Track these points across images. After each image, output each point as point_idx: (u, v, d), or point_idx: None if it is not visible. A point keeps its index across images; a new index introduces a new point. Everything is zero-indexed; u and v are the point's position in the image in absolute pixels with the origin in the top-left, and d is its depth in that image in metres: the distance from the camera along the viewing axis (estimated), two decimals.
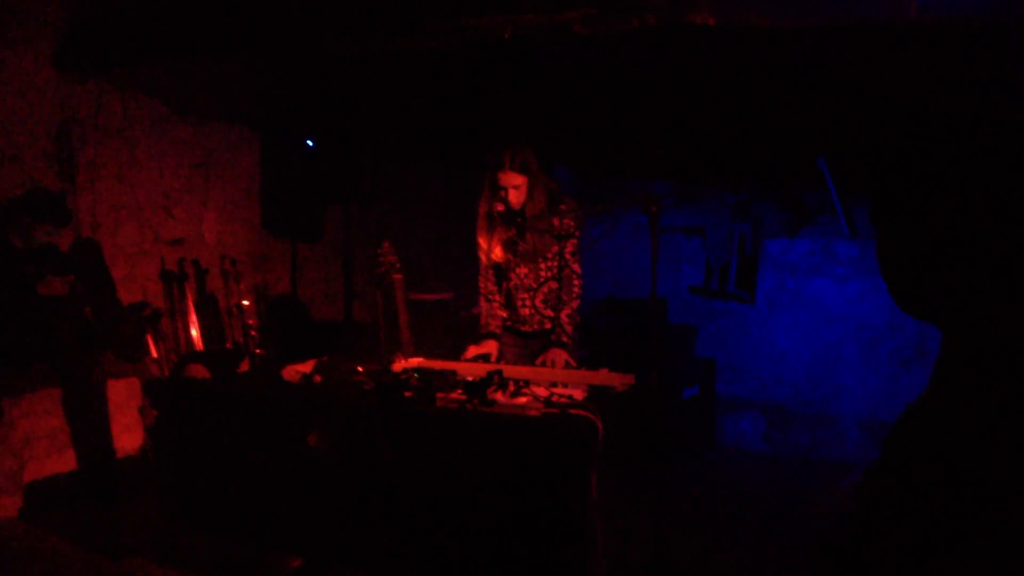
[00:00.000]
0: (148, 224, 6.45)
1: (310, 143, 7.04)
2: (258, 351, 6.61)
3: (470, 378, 3.95)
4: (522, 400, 3.75)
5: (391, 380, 3.98)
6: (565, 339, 4.62)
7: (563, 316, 4.65)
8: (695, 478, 6.15)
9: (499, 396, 3.77)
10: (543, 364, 4.47)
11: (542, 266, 4.70)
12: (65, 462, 5.60)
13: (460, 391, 3.85)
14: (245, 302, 7.02)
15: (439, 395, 3.84)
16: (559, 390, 3.87)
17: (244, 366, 6.25)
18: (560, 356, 4.54)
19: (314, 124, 7.13)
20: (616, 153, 7.18)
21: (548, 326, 4.74)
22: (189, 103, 6.63)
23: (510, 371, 4.10)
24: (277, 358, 6.25)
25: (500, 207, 4.61)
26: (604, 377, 4.10)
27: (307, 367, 4.39)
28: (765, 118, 6.38)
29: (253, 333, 7.00)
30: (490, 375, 3.82)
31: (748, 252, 7.10)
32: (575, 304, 4.67)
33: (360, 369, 4.36)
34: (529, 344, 4.82)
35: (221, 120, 6.92)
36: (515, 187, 4.52)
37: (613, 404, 3.83)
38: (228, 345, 6.87)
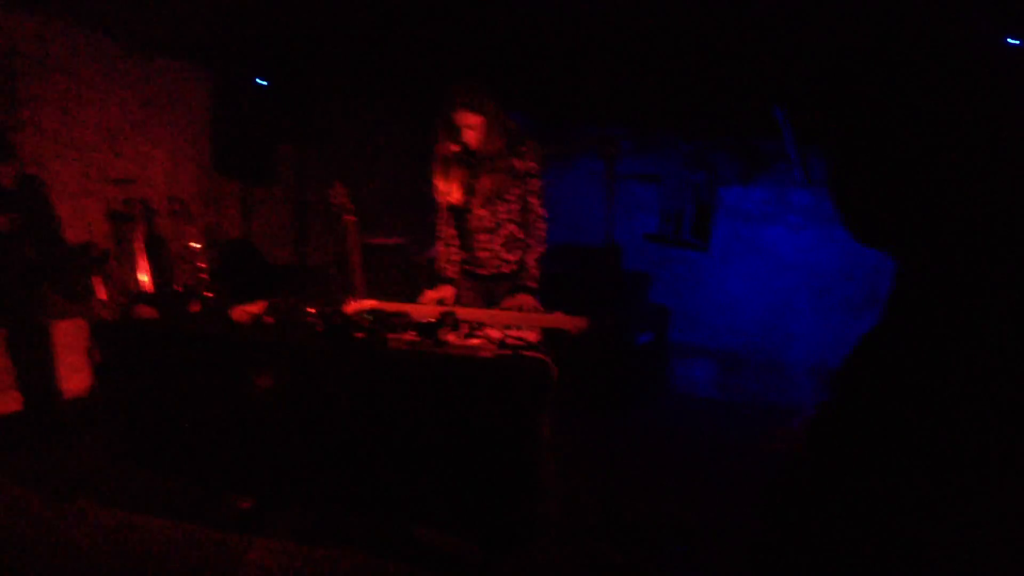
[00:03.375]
0: (94, 163, 6.31)
1: (262, 81, 6.89)
2: (208, 294, 6.51)
3: (423, 320, 3.92)
4: (475, 342, 3.72)
5: (342, 320, 3.93)
6: (532, 283, 4.59)
7: (529, 260, 4.61)
8: (647, 423, 6.18)
9: (452, 337, 3.74)
10: (511, 309, 4.45)
11: (501, 208, 4.63)
12: (9, 403, 5.49)
13: (413, 332, 3.81)
14: (195, 244, 6.90)
15: (391, 336, 3.80)
16: (513, 332, 3.84)
17: (194, 308, 6.17)
18: (528, 300, 4.51)
19: (267, 61, 6.98)
20: (571, 98, 7.12)
21: (506, 270, 4.70)
22: (137, 38, 6.46)
23: (464, 313, 4.07)
24: (228, 302, 6.18)
25: (456, 148, 4.53)
26: (558, 320, 4.08)
27: (258, 307, 4.32)
28: (721, 64, 6.36)
29: (203, 276, 6.89)
30: (443, 316, 3.79)
31: (703, 200, 7.10)
32: (542, 248, 4.63)
33: (311, 310, 4.30)
34: (488, 287, 4.77)
35: (170, 56, 6.75)
36: (471, 127, 4.44)
37: (567, 346, 3.82)
38: (178, 288, 6.76)
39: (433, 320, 3.79)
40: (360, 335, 3.82)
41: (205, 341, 4.20)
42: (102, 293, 6.00)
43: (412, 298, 4.71)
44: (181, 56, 6.81)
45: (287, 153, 7.47)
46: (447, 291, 4.69)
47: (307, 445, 3.91)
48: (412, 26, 6.53)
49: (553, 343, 3.80)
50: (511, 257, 4.68)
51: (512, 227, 4.65)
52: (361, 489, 3.83)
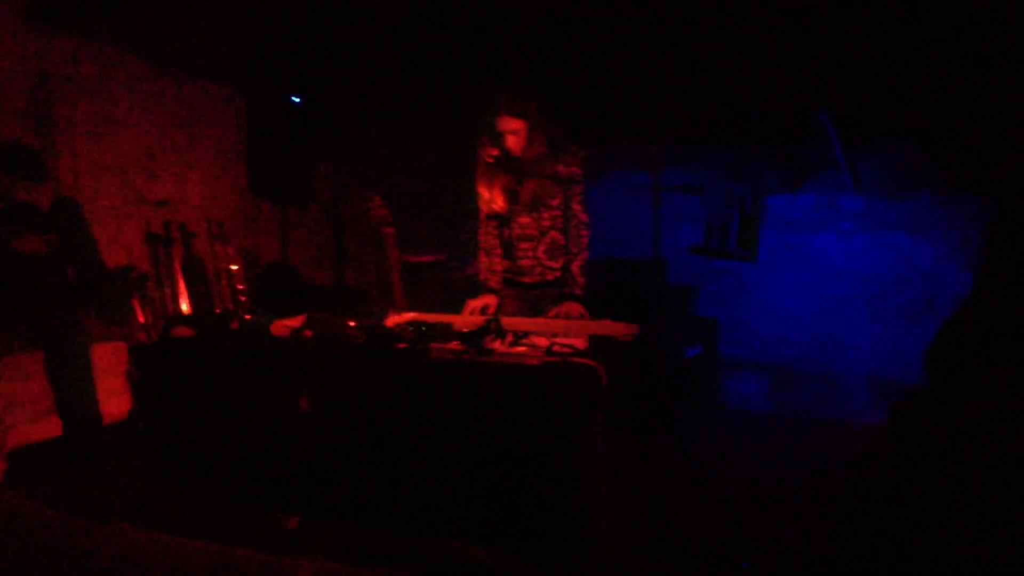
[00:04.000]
0: (131, 184, 6.27)
1: (296, 100, 6.83)
2: (247, 316, 6.44)
3: (466, 329, 3.79)
4: (521, 349, 3.58)
5: (383, 331, 3.81)
6: (578, 291, 4.46)
7: (574, 268, 4.49)
8: (698, 436, 5.98)
9: (497, 345, 3.60)
10: (556, 317, 4.31)
11: (545, 215, 4.51)
12: (49, 428, 5.41)
13: (456, 342, 3.68)
14: (233, 266, 6.85)
15: (434, 346, 3.67)
16: (560, 340, 3.69)
17: (233, 327, 6.10)
18: (575, 308, 4.39)
19: (300, 79, 6.92)
20: (610, 112, 6.98)
21: (550, 277, 4.57)
22: (170, 60, 6.43)
23: (509, 322, 3.94)
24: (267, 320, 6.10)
25: (499, 154, 4.42)
26: (607, 327, 3.93)
27: (297, 322, 4.22)
28: (763, 71, 6.23)
29: (242, 298, 6.84)
30: (487, 324, 3.65)
31: (748, 210, 6.93)
32: (585, 255, 4.51)
33: (352, 323, 4.20)
34: (530, 296, 4.64)
35: (204, 78, 6.71)
36: (513, 132, 4.34)
37: (617, 354, 3.66)
38: (217, 310, 6.69)
39: (477, 328, 3.65)
40: (402, 345, 3.69)
41: (244, 357, 4.09)
42: (141, 316, 5.94)
43: (452, 310, 4.59)
44: (215, 77, 6.77)
45: (322, 171, 7.39)
46: (490, 300, 4.57)
47: (350, 460, 3.78)
48: (449, 36, 6.45)
49: (602, 349, 3.65)
50: (555, 264, 4.55)
51: (555, 234, 4.53)
52: (406, 505, 3.69)
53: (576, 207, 4.48)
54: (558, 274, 4.56)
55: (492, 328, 3.63)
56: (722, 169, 6.97)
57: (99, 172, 5.99)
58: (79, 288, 5.36)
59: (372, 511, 3.79)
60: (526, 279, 4.64)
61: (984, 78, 5.63)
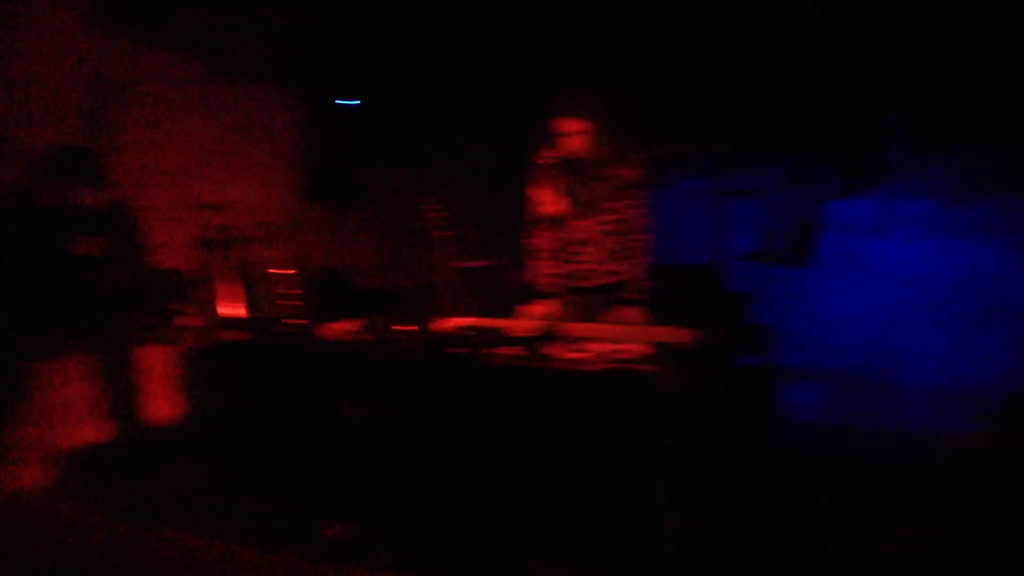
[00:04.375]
0: (185, 188, 6.26)
1: (354, 103, 6.79)
2: (298, 320, 6.41)
3: (524, 335, 3.72)
4: (579, 355, 3.49)
5: (440, 336, 3.74)
6: (636, 295, 4.36)
7: (634, 272, 4.38)
8: (756, 448, 5.86)
9: (555, 351, 3.51)
10: (615, 323, 4.22)
11: (605, 219, 4.41)
12: (99, 430, 5.40)
13: (514, 347, 3.60)
14: (285, 271, 6.82)
15: (492, 351, 3.59)
16: (619, 346, 3.60)
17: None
18: (632, 313, 4.29)
19: (354, 83, 6.89)
20: (672, 115, 6.86)
21: (610, 281, 4.47)
22: (225, 63, 6.42)
23: (567, 328, 3.85)
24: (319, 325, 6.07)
25: (559, 156, 4.34)
26: (669, 333, 3.82)
27: (354, 326, 4.17)
28: (824, 74, 6.10)
29: (294, 302, 6.79)
30: (545, 329, 3.57)
31: (804, 215, 6.78)
32: (642, 259, 4.40)
33: (408, 327, 4.14)
34: (589, 301, 4.54)
35: (259, 81, 6.70)
36: (576, 133, 4.24)
37: (681, 360, 3.56)
38: (269, 315, 6.67)
39: (535, 333, 3.57)
40: (460, 349, 3.63)
41: (299, 361, 4.05)
42: (193, 320, 5.92)
43: (507, 315, 4.51)
44: (268, 80, 6.76)
45: (374, 175, 7.36)
46: (547, 306, 4.48)
47: (404, 466, 3.73)
48: (511, 37, 6.38)
49: (665, 355, 3.55)
50: (615, 268, 4.45)
51: (615, 237, 4.42)
52: (462, 512, 3.62)
53: (637, 210, 4.37)
54: (618, 279, 4.45)
55: (551, 333, 3.54)
56: (779, 172, 6.83)
57: (153, 176, 5.99)
58: (131, 291, 5.34)
59: (426, 519, 3.72)
60: (584, 283, 4.54)
61: None
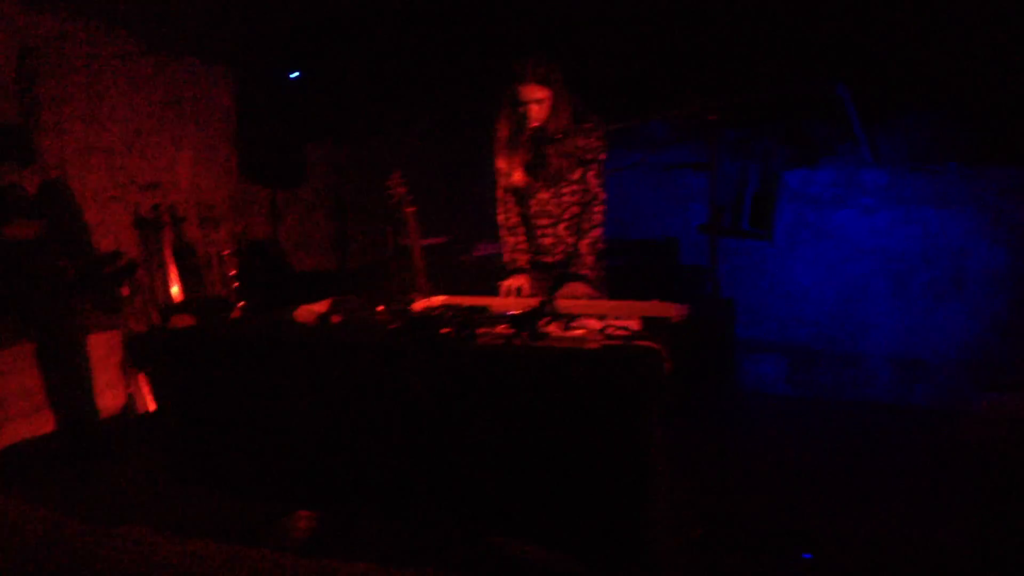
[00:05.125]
0: (119, 167, 5.94)
1: (294, 76, 6.50)
2: (241, 303, 6.14)
3: (509, 312, 3.54)
4: (578, 332, 3.31)
5: (424, 316, 3.54)
6: (584, 271, 4.20)
7: (582, 246, 4.24)
8: (723, 422, 5.76)
9: (552, 329, 3.33)
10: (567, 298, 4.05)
11: (565, 190, 4.26)
12: (43, 423, 5.08)
13: (505, 326, 3.42)
14: (225, 251, 6.54)
15: (480, 331, 3.40)
16: (613, 322, 3.44)
17: (235, 316, 5.81)
18: (579, 289, 4.13)
19: (295, 55, 6.59)
20: (629, 87, 6.69)
21: (568, 254, 4.32)
22: (159, 36, 6.08)
23: (558, 304, 3.68)
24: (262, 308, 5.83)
25: (520, 125, 4.15)
26: (657, 307, 3.68)
27: (322, 307, 3.94)
28: (774, 42, 6.02)
29: (235, 284, 6.53)
30: (542, 305, 3.39)
31: (760, 187, 6.70)
32: (596, 232, 4.26)
33: (380, 308, 3.93)
34: (551, 277, 4.38)
35: (193, 53, 6.37)
36: (537, 101, 4.06)
37: (674, 335, 3.42)
38: (210, 296, 6.39)
39: (530, 310, 3.39)
40: (446, 330, 3.43)
41: (266, 345, 3.80)
42: (134, 303, 5.62)
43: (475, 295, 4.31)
44: (205, 53, 6.44)
45: (317, 153, 7.07)
46: (522, 281, 4.31)
47: (387, 453, 3.52)
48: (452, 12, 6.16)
49: (658, 330, 3.41)
50: (572, 242, 4.30)
51: (575, 209, 4.27)
52: (447, 501, 3.43)
53: (593, 181, 4.22)
54: (573, 252, 4.31)
55: (547, 310, 3.36)
56: (732, 144, 6.73)
57: (86, 153, 5.66)
58: (71, 275, 5.01)
59: (408, 509, 3.53)
60: (547, 259, 4.39)
61: (1011, 40, 5.44)
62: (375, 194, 7.27)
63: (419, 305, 3.96)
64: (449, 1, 6.11)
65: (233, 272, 6.52)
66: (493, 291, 4.33)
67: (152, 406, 5.60)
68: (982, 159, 5.81)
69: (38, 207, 4.93)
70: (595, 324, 3.41)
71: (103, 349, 5.44)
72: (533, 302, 3.68)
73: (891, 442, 5.29)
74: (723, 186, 6.88)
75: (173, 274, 6.04)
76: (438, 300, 4.06)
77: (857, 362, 6.31)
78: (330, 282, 6.94)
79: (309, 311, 3.91)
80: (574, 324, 3.41)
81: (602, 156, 4.22)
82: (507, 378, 3.24)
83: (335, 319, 3.84)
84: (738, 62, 6.24)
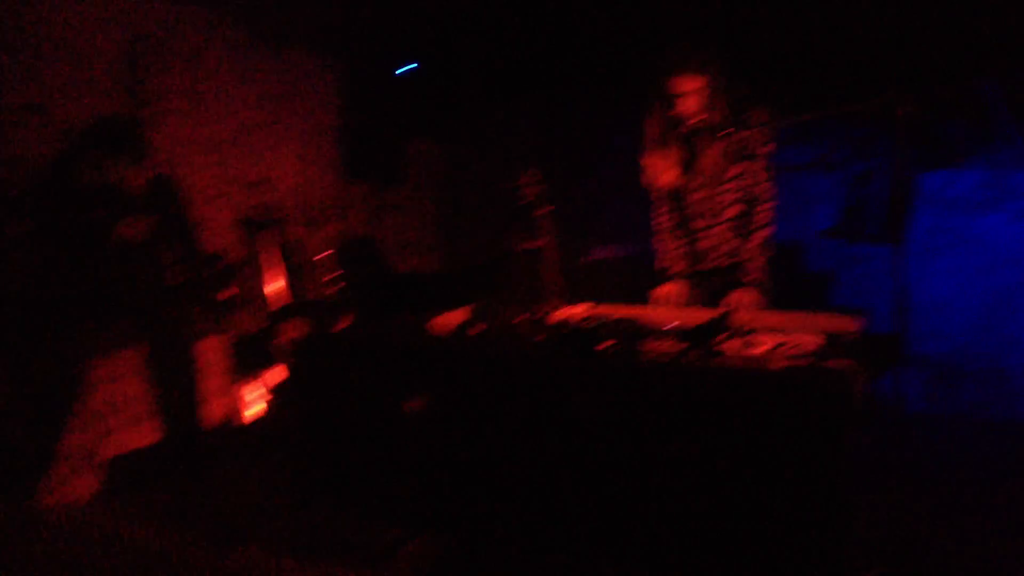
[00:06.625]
0: (222, 163, 5.72)
1: (405, 68, 6.22)
2: (351, 309, 5.92)
3: (670, 325, 3.22)
4: (759, 350, 2.97)
5: (577, 328, 3.23)
6: (752, 276, 3.85)
7: (749, 249, 3.87)
8: (873, 442, 5.37)
9: (729, 346, 3.00)
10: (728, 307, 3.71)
11: (728, 188, 3.88)
12: (151, 433, 4.87)
13: (671, 340, 3.10)
14: (328, 252, 6.31)
15: (645, 346, 3.08)
16: (790, 337, 3.10)
17: (346, 321, 5.59)
18: (747, 297, 3.78)
19: (405, 50, 6.32)
20: (781, 75, 6.24)
21: (733, 261, 3.97)
22: (266, 25, 5.85)
23: (735, 318, 3.36)
24: (374, 312, 5.58)
25: (672, 120, 3.82)
26: (835, 321, 3.33)
27: (460, 316, 3.65)
28: (918, 34, 5.61)
29: (339, 286, 6.30)
30: (720, 318, 3.06)
31: (892, 189, 6.27)
32: (764, 233, 3.88)
33: (520, 319, 3.64)
34: (711, 284, 4.04)
35: (301, 46, 6.14)
36: (691, 93, 3.71)
37: (862, 353, 3.06)
38: (318, 299, 6.17)
39: (704, 323, 3.06)
40: (605, 345, 3.12)
41: (403, 357, 3.52)
42: (242, 306, 5.41)
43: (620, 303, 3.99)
44: (313, 44, 6.19)
45: (423, 150, 6.80)
46: (675, 288, 3.98)
47: (529, 479, 3.22)
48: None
49: (841, 347, 3.05)
50: (737, 246, 3.94)
51: (738, 208, 3.91)
52: (604, 536, 3.12)
53: (760, 176, 3.85)
54: (739, 257, 3.95)
55: (724, 324, 3.03)
56: (850, 145, 6.30)
57: (192, 149, 5.45)
58: (181, 277, 4.80)
59: (563, 541, 3.22)
60: (707, 264, 4.04)
61: None
62: (486, 194, 7.06)
63: (560, 314, 3.66)
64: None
65: (337, 273, 6.30)
66: (620, 297, 4.00)
67: (259, 415, 5.38)
68: None
69: (148, 205, 4.72)
70: (771, 339, 3.07)
71: (211, 355, 5.23)
72: (700, 313, 3.36)
73: None
74: (850, 187, 6.49)
75: (279, 276, 5.81)
76: (581, 309, 3.76)
77: (1003, 378, 5.85)
78: (437, 284, 6.68)
79: (445, 322, 3.63)
80: (752, 340, 3.07)
81: (769, 149, 3.85)
82: (674, 401, 2.91)
83: (474, 330, 3.55)
84: (924, 52, 5.78)
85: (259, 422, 5.31)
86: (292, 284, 5.97)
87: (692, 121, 3.80)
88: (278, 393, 5.23)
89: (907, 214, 5.98)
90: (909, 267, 5.97)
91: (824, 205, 6.48)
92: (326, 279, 6.28)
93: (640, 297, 4.02)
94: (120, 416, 4.78)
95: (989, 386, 5.90)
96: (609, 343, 3.11)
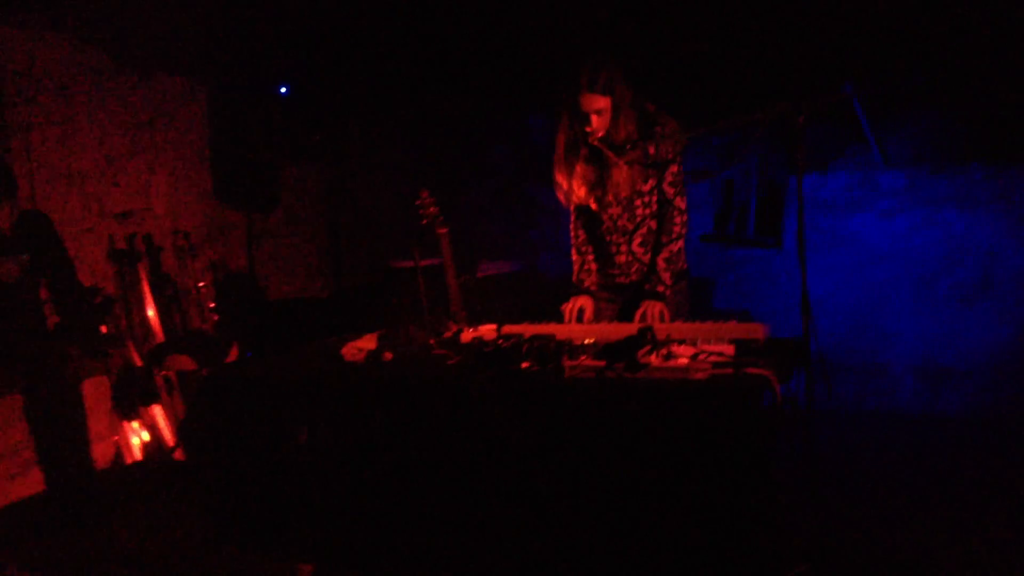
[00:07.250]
0: (92, 195, 5.46)
1: (279, 91, 6.06)
2: (234, 341, 5.73)
3: (587, 340, 3.23)
4: (681, 361, 3.00)
5: (499, 348, 3.19)
6: (661, 288, 3.89)
7: (659, 260, 3.91)
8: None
9: (652, 359, 3.02)
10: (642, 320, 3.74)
11: (638, 203, 3.92)
12: (29, 484, 4.58)
13: (590, 356, 3.10)
14: (201, 283, 6.10)
15: (567, 363, 3.07)
16: (706, 347, 3.15)
17: (232, 354, 5.42)
18: (655, 308, 3.81)
19: (275, 72, 6.17)
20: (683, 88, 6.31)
21: (643, 273, 4.01)
22: (131, 51, 5.63)
23: (606, 330, 3.39)
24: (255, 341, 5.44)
25: (579, 136, 3.83)
26: (742, 329, 3.38)
27: (368, 343, 3.57)
28: (778, 42, 5.80)
29: (215, 317, 6.10)
30: (641, 332, 3.07)
31: (765, 193, 6.46)
32: (675, 246, 3.93)
33: (432, 342, 3.59)
34: (624, 298, 4.07)
35: (168, 71, 5.92)
36: (597, 111, 3.72)
37: (774, 358, 3.13)
38: (199, 331, 5.95)
39: (626, 338, 3.06)
40: (527, 364, 3.09)
41: (314, 388, 3.41)
42: (122, 342, 5.17)
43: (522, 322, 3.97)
44: (179, 69, 5.98)
45: (297, 173, 6.66)
46: (584, 303, 3.98)
47: (463, 508, 3.16)
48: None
49: (756, 354, 3.12)
50: (648, 260, 3.99)
51: (652, 223, 3.96)
52: (548, 555, 3.08)
53: (669, 189, 3.90)
54: (649, 269, 4.00)
55: (647, 338, 3.04)
56: (737, 148, 6.46)
57: (57, 181, 5.18)
58: (58, 316, 4.55)
59: (495, 567, 3.17)
60: (622, 279, 4.06)
61: None
62: (368, 214, 6.94)
63: (467, 335, 3.62)
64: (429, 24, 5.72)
65: (211, 304, 6.11)
66: (513, 313, 4.00)
67: (140, 456, 5.14)
68: (1007, 157, 5.64)
69: (17, 243, 4.47)
70: (687, 350, 3.11)
71: (93, 397, 4.97)
72: (615, 328, 3.38)
73: (920, 452, 5.15)
74: (728, 193, 6.66)
75: (151, 309, 5.57)
76: (486, 329, 3.71)
77: (879, 372, 6.10)
78: (316, 308, 6.54)
79: (355, 348, 3.54)
80: (669, 351, 3.09)
81: (679, 162, 3.90)
82: (599, 417, 2.91)
83: (387, 356, 3.48)
84: (816, 59, 5.94)
85: (151, 460, 5.07)
86: (166, 316, 5.74)
87: (600, 136, 3.81)
88: (179, 430, 5.01)
89: (781, 216, 6.20)
90: (791, 267, 6.18)
91: (698, 213, 6.59)
92: (205, 310, 6.08)
93: (533, 312, 4.00)
94: (6, 463, 4.48)
95: (867, 379, 6.15)
96: (529, 362, 3.08)
